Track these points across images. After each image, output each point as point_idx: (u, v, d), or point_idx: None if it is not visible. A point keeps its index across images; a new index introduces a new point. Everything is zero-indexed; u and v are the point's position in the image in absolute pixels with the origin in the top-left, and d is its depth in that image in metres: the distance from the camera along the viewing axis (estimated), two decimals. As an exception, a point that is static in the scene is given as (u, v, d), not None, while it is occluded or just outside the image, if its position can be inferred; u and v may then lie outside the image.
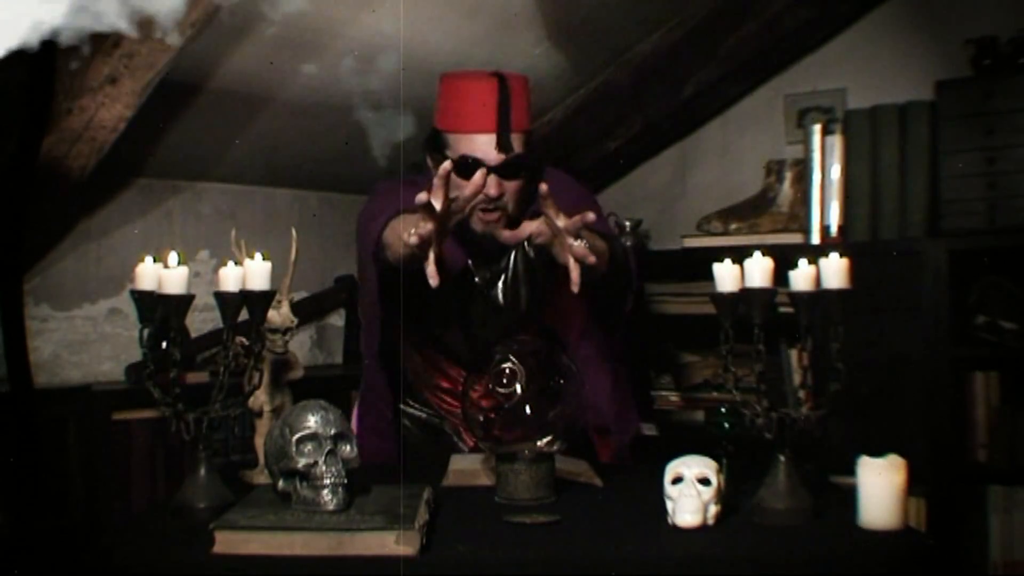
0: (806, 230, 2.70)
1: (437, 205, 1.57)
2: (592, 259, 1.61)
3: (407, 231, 1.57)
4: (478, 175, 1.68)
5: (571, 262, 1.61)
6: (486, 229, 1.90)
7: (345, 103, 2.59)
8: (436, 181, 1.58)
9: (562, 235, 1.62)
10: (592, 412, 2.06)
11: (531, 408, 1.98)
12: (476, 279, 2.02)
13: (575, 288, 1.62)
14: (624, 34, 2.78)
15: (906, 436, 2.37)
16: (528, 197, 1.95)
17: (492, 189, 1.85)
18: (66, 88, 1.94)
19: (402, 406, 2.14)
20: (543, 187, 1.62)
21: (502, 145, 1.85)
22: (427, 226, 1.55)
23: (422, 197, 1.53)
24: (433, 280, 1.59)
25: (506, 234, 1.77)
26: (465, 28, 2.44)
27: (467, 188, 1.73)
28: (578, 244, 1.60)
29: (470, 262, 2.00)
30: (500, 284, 2.03)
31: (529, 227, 1.69)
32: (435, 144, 1.94)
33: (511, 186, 1.89)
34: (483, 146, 1.86)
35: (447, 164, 1.60)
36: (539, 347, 2.05)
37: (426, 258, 1.60)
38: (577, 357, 2.03)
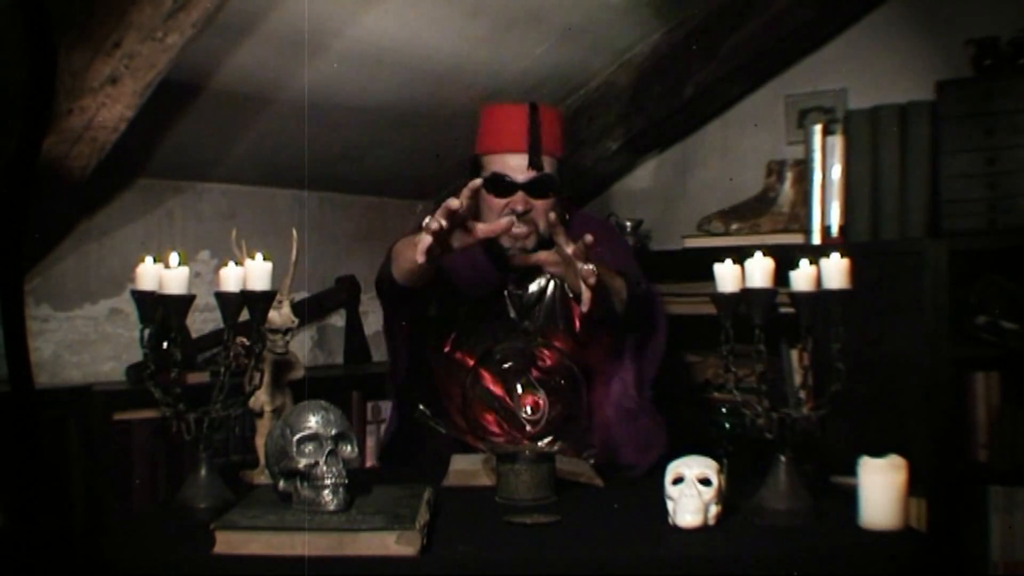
0: (807, 230, 2.70)
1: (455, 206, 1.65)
2: (593, 280, 1.66)
3: (415, 242, 1.69)
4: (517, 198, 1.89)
5: (581, 285, 1.68)
6: (513, 245, 2.00)
7: (345, 103, 2.59)
8: (464, 191, 1.68)
9: (572, 262, 1.70)
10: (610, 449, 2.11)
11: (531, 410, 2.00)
12: (512, 313, 2.09)
13: (584, 307, 1.69)
14: (624, 34, 2.78)
15: (906, 436, 2.37)
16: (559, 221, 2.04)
17: (519, 205, 1.98)
18: (67, 88, 1.93)
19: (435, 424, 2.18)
20: (551, 215, 1.79)
21: (532, 163, 1.98)
22: (427, 238, 1.63)
23: (452, 203, 1.64)
24: (420, 257, 1.65)
25: (519, 257, 1.91)
26: (465, 28, 2.44)
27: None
28: (586, 268, 1.67)
29: (507, 294, 2.09)
30: (533, 315, 2.10)
31: (540, 255, 1.82)
32: (473, 169, 2.07)
33: (539, 205, 2.00)
34: (513, 164, 2.00)
35: (477, 181, 1.73)
36: (536, 349, 2.07)
37: (430, 267, 1.71)
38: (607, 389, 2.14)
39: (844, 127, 2.68)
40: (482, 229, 1.74)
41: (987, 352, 2.42)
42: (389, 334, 2.22)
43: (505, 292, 2.10)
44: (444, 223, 1.63)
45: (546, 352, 2.10)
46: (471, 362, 2.11)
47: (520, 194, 1.99)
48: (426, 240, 1.64)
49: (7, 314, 1.58)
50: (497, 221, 1.81)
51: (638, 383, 2.16)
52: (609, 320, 2.01)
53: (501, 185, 2.00)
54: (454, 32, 2.44)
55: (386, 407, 2.88)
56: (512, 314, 2.09)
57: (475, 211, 1.98)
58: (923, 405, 2.42)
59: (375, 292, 2.19)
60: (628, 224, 3.07)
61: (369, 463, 2.73)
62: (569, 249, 1.71)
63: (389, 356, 2.25)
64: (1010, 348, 2.39)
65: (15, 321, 1.59)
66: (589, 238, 1.70)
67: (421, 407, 2.09)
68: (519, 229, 1.99)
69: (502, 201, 2.00)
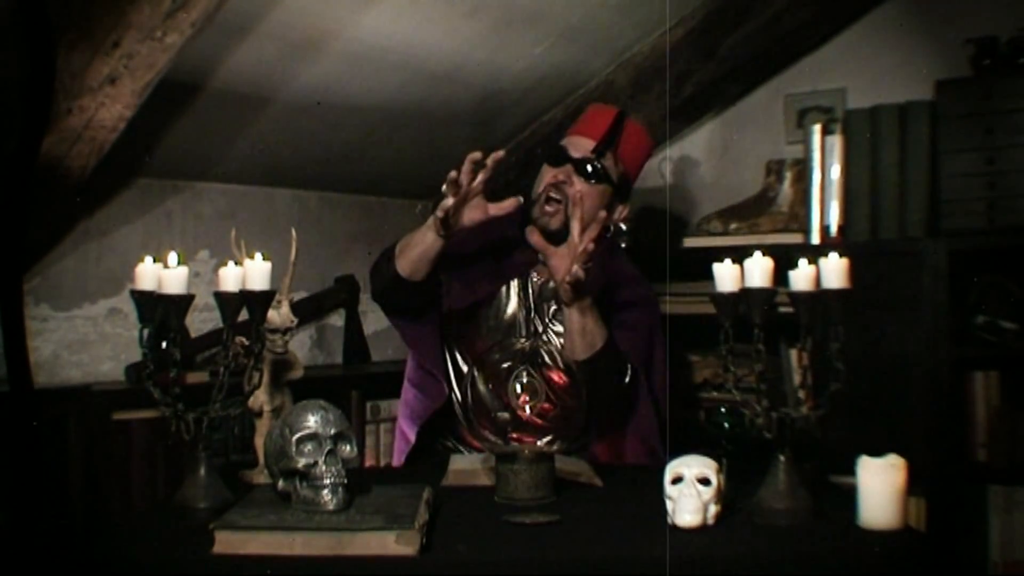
0: (806, 230, 2.70)
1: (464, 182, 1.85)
2: (579, 268, 1.88)
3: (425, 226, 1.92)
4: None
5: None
6: (543, 215, 2.08)
7: (345, 103, 2.59)
8: (490, 159, 1.85)
9: (571, 251, 1.90)
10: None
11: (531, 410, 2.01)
12: (530, 298, 2.17)
13: (564, 292, 1.92)
14: (624, 34, 2.78)
15: (906, 436, 2.36)
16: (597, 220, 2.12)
17: (562, 175, 2.09)
18: (66, 88, 1.93)
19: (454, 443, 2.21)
20: (584, 198, 1.95)
21: (595, 149, 2.10)
22: (448, 201, 1.85)
23: (475, 156, 1.84)
24: (439, 212, 1.87)
25: (535, 237, 2.01)
26: (465, 28, 2.44)
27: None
28: (576, 269, 1.88)
29: (528, 280, 2.17)
30: (544, 311, 2.17)
31: (539, 240, 1.99)
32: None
33: (580, 186, 2.08)
34: (578, 144, 2.12)
35: (500, 152, 1.87)
36: (535, 346, 2.08)
37: (448, 227, 1.90)
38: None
39: (843, 127, 2.68)
40: (492, 208, 1.90)
41: (987, 352, 2.42)
42: (413, 347, 2.25)
43: (527, 278, 2.16)
44: (466, 177, 1.82)
45: (548, 353, 2.12)
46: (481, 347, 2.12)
47: (568, 167, 2.09)
48: (447, 203, 1.84)
49: (7, 314, 1.58)
50: (508, 200, 1.92)
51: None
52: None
53: (557, 155, 2.12)
54: (454, 32, 2.44)
55: (386, 406, 2.88)
56: (529, 299, 2.15)
57: (489, 194, 2.08)
58: (923, 405, 2.41)
59: (379, 306, 2.24)
60: (625, 225, 3.06)
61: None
62: (576, 233, 1.88)
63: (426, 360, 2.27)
64: (1010, 348, 2.39)
65: (15, 321, 1.59)
66: (591, 246, 1.87)
67: (448, 443, 2.13)
68: (550, 207, 2.08)
69: (552, 171, 2.11)
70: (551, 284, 2.15)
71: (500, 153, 1.86)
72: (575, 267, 1.88)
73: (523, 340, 2.11)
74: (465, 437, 2.14)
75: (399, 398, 2.90)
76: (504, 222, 2.04)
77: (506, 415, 2.02)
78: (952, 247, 2.40)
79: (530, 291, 2.16)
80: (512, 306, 2.15)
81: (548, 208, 2.08)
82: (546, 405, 2.08)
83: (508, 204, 1.91)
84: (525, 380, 2.04)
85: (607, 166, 2.11)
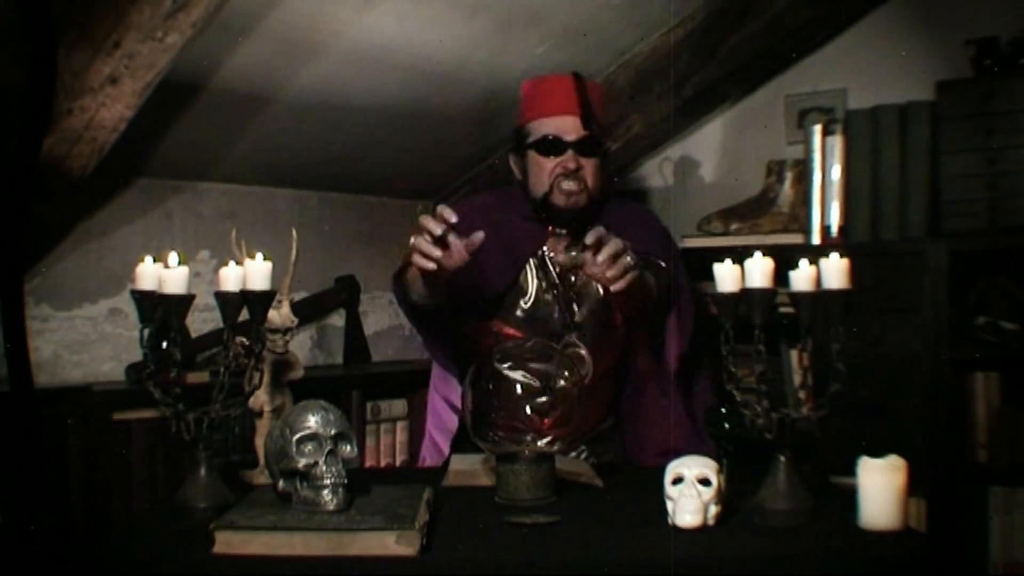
0: (806, 230, 2.70)
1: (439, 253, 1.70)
2: (619, 284, 1.74)
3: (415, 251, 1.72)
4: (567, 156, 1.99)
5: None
6: (567, 203, 2.07)
7: (345, 103, 2.59)
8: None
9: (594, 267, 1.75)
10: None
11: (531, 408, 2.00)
12: (554, 276, 2.14)
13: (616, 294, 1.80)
14: (624, 34, 2.78)
15: (906, 436, 2.37)
16: (604, 183, 2.14)
17: (570, 163, 2.06)
18: (67, 88, 1.94)
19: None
20: (598, 232, 1.72)
21: (584, 123, 2.07)
22: (429, 264, 1.70)
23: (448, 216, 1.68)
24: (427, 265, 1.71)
25: (560, 257, 2.08)
26: (465, 28, 2.44)
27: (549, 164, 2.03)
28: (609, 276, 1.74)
29: (547, 258, 2.14)
30: (572, 296, 2.14)
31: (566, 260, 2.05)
32: (519, 140, 2.15)
33: (588, 164, 2.08)
34: (564, 125, 2.08)
35: (446, 212, 1.70)
36: (536, 345, 2.07)
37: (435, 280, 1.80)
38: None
39: (844, 127, 2.68)
40: (468, 247, 1.73)
41: (987, 352, 2.42)
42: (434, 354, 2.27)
43: (542, 258, 2.14)
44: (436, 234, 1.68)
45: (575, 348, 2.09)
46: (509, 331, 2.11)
47: (570, 153, 2.07)
48: (422, 263, 1.70)
49: (7, 314, 1.58)
50: (474, 235, 1.74)
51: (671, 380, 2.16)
52: (640, 320, 2.05)
53: (552, 146, 2.08)
54: (454, 32, 2.44)
55: (387, 406, 2.88)
56: (552, 277, 2.12)
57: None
58: (923, 405, 2.42)
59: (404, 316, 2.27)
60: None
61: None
62: (596, 258, 1.72)
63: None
64: (1010, 348, 2.39)
65: (15, 321, 1.59)
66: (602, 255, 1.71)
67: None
68: (571, 187, 2.06)
69: (553, 161, 2.08)
70: (571, 252, 2.10)
71: (480, 235, 1.72)
72: (613, 277, 1.73)
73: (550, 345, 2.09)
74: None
75: (400, 398, 2.92)
76: (513, 207, 2.07)
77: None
78: (953, 248, 2.40)
79: (549, 268, 2.13)
80: (535, 290, 2.12)
81: (571, 188, 2.07)
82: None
83: (476, 239, 1.74)
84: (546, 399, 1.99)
85: (598, 135, 2.11)
